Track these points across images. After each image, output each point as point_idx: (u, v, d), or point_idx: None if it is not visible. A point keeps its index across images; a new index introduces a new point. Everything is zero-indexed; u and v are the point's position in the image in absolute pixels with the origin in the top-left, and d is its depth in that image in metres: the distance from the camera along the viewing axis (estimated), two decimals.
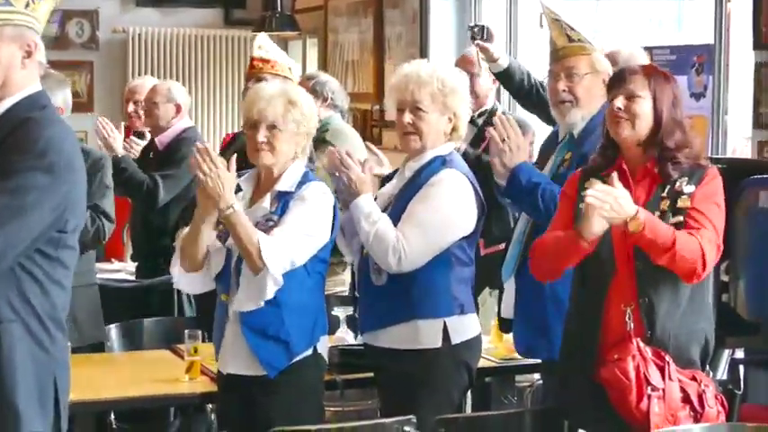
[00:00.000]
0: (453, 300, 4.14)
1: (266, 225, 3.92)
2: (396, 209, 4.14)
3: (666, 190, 3.66)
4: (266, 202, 4.00)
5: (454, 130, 4.19)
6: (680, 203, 3.62)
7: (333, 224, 4.04)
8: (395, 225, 4.07)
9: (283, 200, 3.98)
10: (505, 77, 5.21)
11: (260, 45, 5.80)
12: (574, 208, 3.74)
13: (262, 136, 3.95)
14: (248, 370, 3.99)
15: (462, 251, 4.17)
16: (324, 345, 4.08)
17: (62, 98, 5.09)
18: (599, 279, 3.68)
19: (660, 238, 3.49)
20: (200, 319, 5.19)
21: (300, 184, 3.99)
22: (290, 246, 3.90)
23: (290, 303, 3.95)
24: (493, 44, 5.13)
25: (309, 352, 4.00)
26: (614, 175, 3.57)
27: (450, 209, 4.11)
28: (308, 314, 4.02)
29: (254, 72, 5.61)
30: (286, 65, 5.70)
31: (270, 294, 3.85)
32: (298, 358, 3.97)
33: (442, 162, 4.15)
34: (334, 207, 4.05)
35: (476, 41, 5.11)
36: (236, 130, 7.96)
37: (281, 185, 3.99)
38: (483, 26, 5.11)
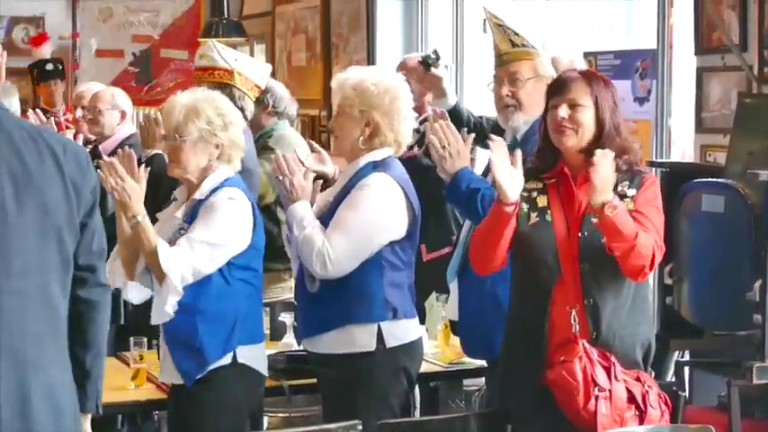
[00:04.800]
0: (386, 304, 4.12)
1: (179, 234, 3.94)
2: (328, 215, 4.13)
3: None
4: (180, 212, 4.03)
5: (375, 135, 4.15)
6: (625, 205, 3.63)
7: (255, 229, 4.02)
8: None
9: (195, 208, 4.00)
10: (453, 116, 5.12)
11: (201, 54, 5.72)
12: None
13: (168, 148, 4.05)
14: (173, 378, 4.02)
15: (395, 255, 4.16)
16: (249, 354, 4.02)
17: (9, 106, 5.03)
18: (543, 282, 3.69)
19: (627, 228, 3.52)
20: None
21: (215, 191, 3.98)
22: (191, 255, 3.89)
23: (205, 311, 3.95)
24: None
25: (227, 361, 3.97)
26: (606, 151, 3.59)
27: (377, 212, 4.09)
28: (225, 322, 3.98)
29: (196, 82, 5.56)
30: (228, 68, 5.62)
31: (169, 306, 3.85)
32: (213, 367, 3.95)
33: (373, 167, 4.14)
34: (254, 212, 4.03)
35: (431, 70, 5.03)
36: None
37: (198, 194, 4.00)
38: (435, 50, 5.03)
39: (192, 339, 3.95)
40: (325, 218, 4.11)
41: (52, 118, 6.41)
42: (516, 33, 4.51)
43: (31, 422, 3.07)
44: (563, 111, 3.67)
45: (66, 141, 3.25)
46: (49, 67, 9.38)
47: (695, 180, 4.77)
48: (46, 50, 9.96)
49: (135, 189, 3.88)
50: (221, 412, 3.99)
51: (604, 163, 3.52)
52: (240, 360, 3.99)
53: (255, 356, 4.06)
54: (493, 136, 3.64)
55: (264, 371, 4.13)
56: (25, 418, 3.07)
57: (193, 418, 3.98)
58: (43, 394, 3.08)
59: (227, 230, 3.95)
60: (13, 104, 5.15)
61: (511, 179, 3.54)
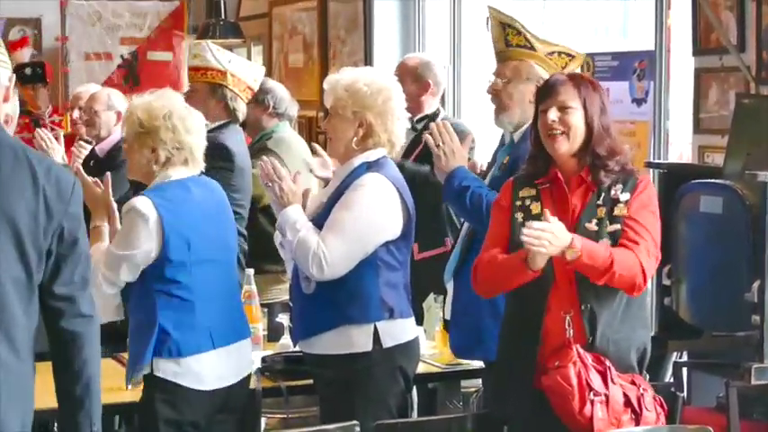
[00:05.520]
0: (383, 304, 4.14)
1: None
2: (322, 215, 4.14)
3: (602, 198, 3.70)
4: None
5: (369, 135, 4.16)
6: (617, 212, 3.67)
7: (166, 241, 3.94)
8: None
9: None
10: None
11: (195, 54, 5.75)
12: (509, 217, 3.78)
13: None
14: None
15: (390, 255, 4.17)
16: (167, 368, 3.96)
17: (10, 106, 4.99)
18: (538, 288, 3.68)
19: (598, 261, 3.55)
20: None
21: None
22: (102, 266, 3.95)
23: (132, 321, 4.04)
24: None
25: (147, 371, 3.97)
26: (547, 211, 3.58)
27: (372, 213, 4.10)
28: (142, 333, 3.96)
29: (189, 82, 5.58)
30: (222, 68, 5.62)
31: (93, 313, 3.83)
32: (139, 375, 4.00)
33: (367, 167, 4.15)
34: (164, 223, 3.94)
35: None
36: None
37: None
38: None
39: (129, 346, 4.07)
40: (319, 219, 4.12)
41: (60, 131, 6.42)
42: (518, 33, 4.50)
43: None
44: (553, 114, 3.70)
45: (52, 165, 3.26)
46: (28, 71, 9.35)
47: (693, 181, 4.76)
48: (25, 54, 9.96)
49: (95, 196, 4.08)
50: (151, 420, 3.99)
51: (530, 232, 3.49)
52: (156, 373, 3.95)
53: (176, 371, 3.96)
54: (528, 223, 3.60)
55: (195, 384, 3.98)
56: None
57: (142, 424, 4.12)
58: None
59: (127, 241, 3.94)
60: (14, 104, 5.10)
61: (546, 253, 3.52)
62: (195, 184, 4.07)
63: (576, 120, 3.70)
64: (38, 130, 6.36)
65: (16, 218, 3.13)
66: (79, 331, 3.19)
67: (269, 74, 9.29)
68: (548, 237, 3.48)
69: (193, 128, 4.05)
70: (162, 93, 4.23)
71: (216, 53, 5.64)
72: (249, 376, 4.18)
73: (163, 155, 3.99)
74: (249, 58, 10.00)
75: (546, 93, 3.77)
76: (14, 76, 3.36)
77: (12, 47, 10.08)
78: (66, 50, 9.37)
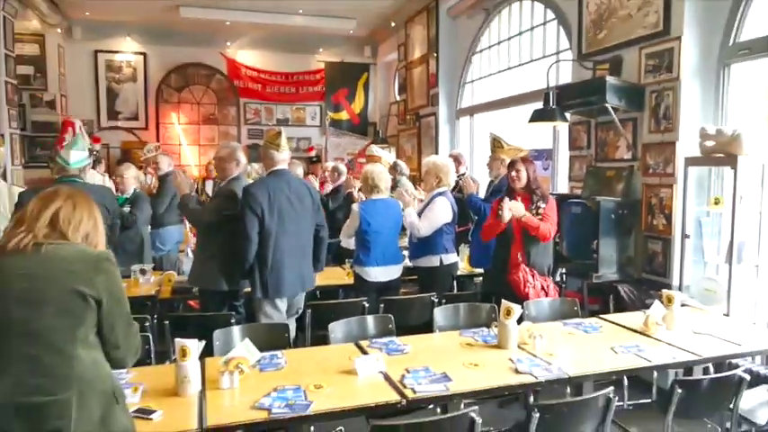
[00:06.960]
0: (443, 247, 4.00)
1: None
2: (421, 212, 4.04)
3: (533, 206, 3.57)
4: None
5: (440, 182, 4.05)
6: (540, 211, 3.54)
7: (360, 220, 3.79)
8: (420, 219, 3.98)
9: None
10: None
11: (369, 149, 5.78)
12: (496, 212, 3.64)
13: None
14: None
15: (447, 227, 4.02)
16: (358, 268, 3.79)
17: (300, 171, 5.03)
18: (507, 241, 3.58)
19: (533, 224, 3.44)
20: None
21: None
22: (346, 228, 3.87)
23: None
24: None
25: (353, 269, 3.86)
26: (519, 199, 3.50)
27: (439, 212, 3.97)
28: (353, 254, 3.93)
29: (369, 161, 5.59)
30: (379, 156, 5.61)
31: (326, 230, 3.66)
32: (352, 272, 3.90)
33: (438, 194, 4.04)
34: (360, 213, 3.76)
35: None
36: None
37: None
38: None
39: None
40: (420, 213, 4.03)
41: (316, 181, 6.45)
42: (499, 141, 4.37)
43: (303, 278, 3.26)
44: (514, 173, 3.59)
45: (312, 187, 3.38)
46: (315, 159, 9.57)
47: (569, 200, 4.55)
48: (312, 153, 10.11)
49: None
50: (354, 290, 3.80)
51: (511, 203, 3.43)
52: (355, 270, 3.83)
53: (361, 271, 3.80)
54: (507, 200, 3.51)
55: (367, 278, 3.75)
56: (302, 278, 3.25)
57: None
58: (306, 271, 3.28)
59: (350, 221, 3.80)
60: (300, 171, 5.17)
61: (515, 213, 3.43)
62: (381, 202, 3.89)
63: (524, 175, 3.58)
64: (310, 176, 6.40)
65: (307, 206, 3.23)
66: (324, 237, 3.39)
67: (398, 157, 9.25)
68: (516, 205, 3.41)
69: (382, 179, 3.89)
70: (373, 164, 4.20)
71: (378, 150, 5.65)
72: (399, 277, 3.97)
73: (368, 189, 3.89)
74: (390, 151, 9.99)
75: (512, 164, 3.66)
76: (290, 155, 3.39)
77: (308, 150, 10.23)
78: (327, 152, 9.60)
